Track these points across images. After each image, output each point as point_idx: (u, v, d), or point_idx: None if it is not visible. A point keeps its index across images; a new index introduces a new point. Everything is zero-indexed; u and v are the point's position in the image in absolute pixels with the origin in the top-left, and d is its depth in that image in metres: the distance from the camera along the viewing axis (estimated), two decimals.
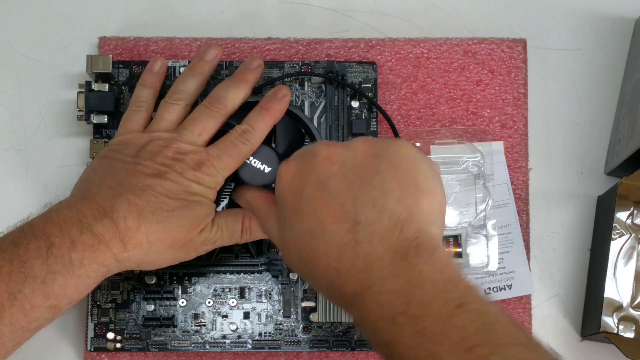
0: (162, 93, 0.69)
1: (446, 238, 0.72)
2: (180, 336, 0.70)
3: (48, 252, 0.57)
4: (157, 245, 0.61)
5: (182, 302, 0.70)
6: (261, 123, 0.65)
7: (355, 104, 0.73)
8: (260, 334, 0.70)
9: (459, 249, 0.72)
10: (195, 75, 0.68)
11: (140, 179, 0.61)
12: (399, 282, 0.49)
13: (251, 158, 0.65)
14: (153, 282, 0.70)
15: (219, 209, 0.67)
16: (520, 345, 0.46)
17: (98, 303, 0.70)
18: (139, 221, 0.60)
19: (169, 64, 0.73)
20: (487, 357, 0.45)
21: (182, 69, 0.72)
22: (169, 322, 0.70)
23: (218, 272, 0.71)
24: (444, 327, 0.46)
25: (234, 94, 0.66)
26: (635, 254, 0.71)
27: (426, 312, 0.47)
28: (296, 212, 0.53)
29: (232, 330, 0.70)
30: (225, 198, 0.68)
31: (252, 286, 0.71)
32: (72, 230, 0.58)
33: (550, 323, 0.73)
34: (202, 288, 0.71)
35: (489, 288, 0.72)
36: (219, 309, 0.70)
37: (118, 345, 0.70)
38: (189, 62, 0.72)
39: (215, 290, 0.71)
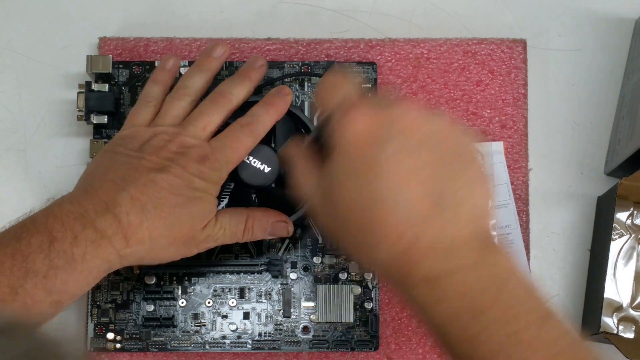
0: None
1: None
2: (180, 336, 0.70)
3: (50, 247, 0.57)
4: (159, 241, 0.60)
5: (182, 303, 0.70)
6: (265, 116, 0.65)
7: None
8: (260, 334, 0.70)
9: None
10: (202, 71, 0.68)
11: (143, 173, 0.60)
12: (486, 274, 0.47)
13: (251, 158, 0.65)
14: (153, 282, 0.70)
15: (219, 207, 0.67)
16: None
17: (98, 303, 0.70)
18: (141, 217, 0.59)
19: None
20: None
21: (182, 69, 0.72)
22: (169, 322, 0.70)
23: (218, 273, 0.71)
24: (538, 336, 0.46)
25: (238, 90, 0.66)
26: (635, 254, 0.71)
27: (515, 315, 0.46)
28: (367, 170, 0.49)
29: (232, 331, 0.70)
30: (226, 197, 0.68)
31: (252, 286, 0.71)
32: (75, 225, 0.58)
33: None
34: (201, 288, 0.71)
35: None
36: (218, 309, 0.70)
37: (118, 345, 0.70)
38: (189, 62, 0.72)
39: (215, 290, 0.71)
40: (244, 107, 0.66)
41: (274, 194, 0.67)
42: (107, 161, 0.62)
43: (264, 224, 0.65)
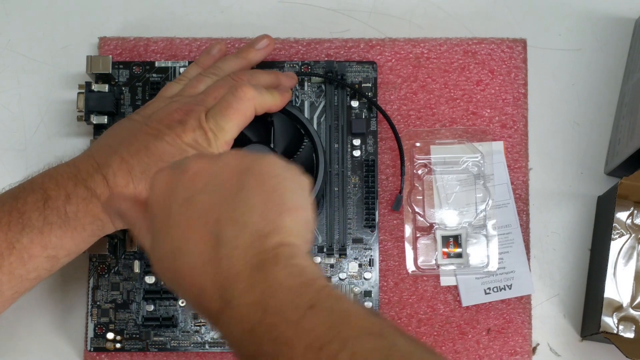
0: (154, 91, 0.69)
1: (446, 238, 0.72)
2: (180, 336, 0.70)
3: (45, 205, 0.59)
4: None
5: (182, 302, 0.70)
6: (261, 76, 0.66)
7: (355, 103, 0.73)
8: None
9: (459, 249, 0.72)
10: (239, 58, 0.69)
11: (140, 138, 0.61)
12: (255, 294, 0.47)
13: None
14: (153, 282, 0.70)
15: None
16: (370, 335, 0.45)
17: (98, 303, 0.70)
18: (127, 179, 0.60)
19: (169, 64, 0.73)
20: (337, 353, 0.44)
21: (182, 69, 0.72)
22: (169, 322, 0.70)
23: None
24: (296, 331, 0.46)
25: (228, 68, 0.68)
26: (635, 254, 0.71)
27: (280, 319, 0.46)
28: (164, 227, 0.50)
29: None
30: None
31: None
32: (68, 184, 0.60)
33: (550, 323, 0.73)
34: None
35: (489, 288, 0.72)
36: None
37: (118, 345, 0.70)
38: (189, 62, 0.72)
39: None
40: (259, 119, 0.65)
41: None
42: (117, 127, 0.64)
43: None
